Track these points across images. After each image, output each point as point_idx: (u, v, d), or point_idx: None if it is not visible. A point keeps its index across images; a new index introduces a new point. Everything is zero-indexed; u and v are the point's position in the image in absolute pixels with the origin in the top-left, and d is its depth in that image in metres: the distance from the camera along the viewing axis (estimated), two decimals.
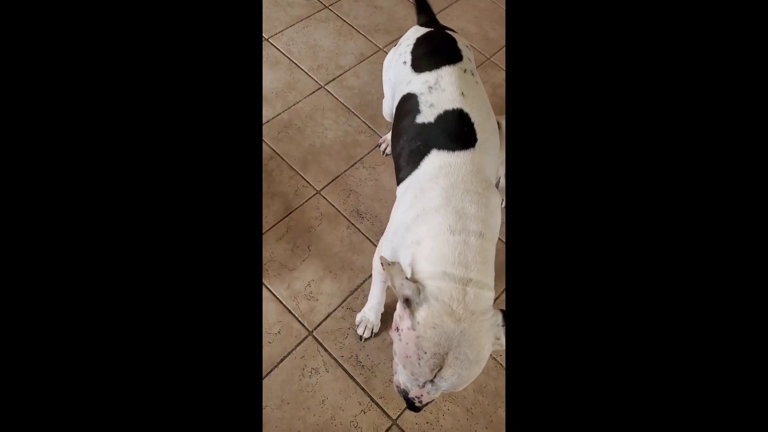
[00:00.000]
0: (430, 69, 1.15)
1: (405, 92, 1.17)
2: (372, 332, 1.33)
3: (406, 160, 1.07)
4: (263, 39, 1.96)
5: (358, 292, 1.43)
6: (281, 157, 1.66)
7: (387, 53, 1.99)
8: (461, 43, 1.24)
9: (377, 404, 1.26)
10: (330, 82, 1.87)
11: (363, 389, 1.27)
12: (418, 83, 1.14)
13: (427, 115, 1.08)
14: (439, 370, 0.81)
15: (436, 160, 1.00)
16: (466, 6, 2.21)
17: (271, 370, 1.28)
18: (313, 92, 1.83)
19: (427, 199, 0.95)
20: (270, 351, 1.31)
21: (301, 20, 2.04)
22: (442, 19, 2.13)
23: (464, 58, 1.18)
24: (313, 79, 1.86)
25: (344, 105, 1.81)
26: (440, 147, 1.01)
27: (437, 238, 0.89)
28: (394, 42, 2.02)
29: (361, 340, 1.34)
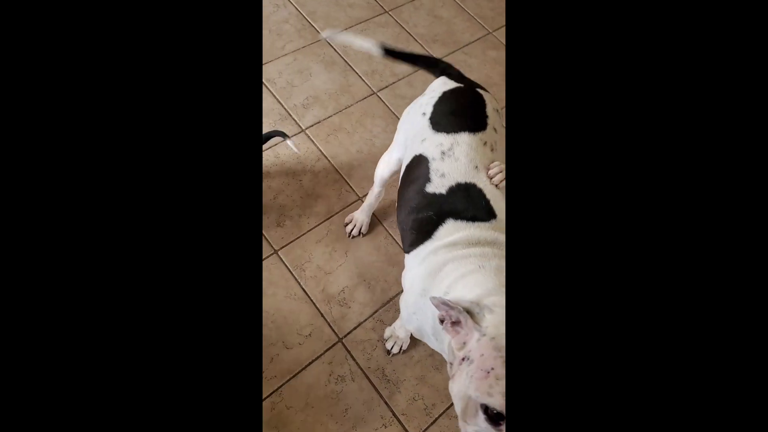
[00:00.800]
0: (447, 131, 1.04)
1: (417, 153, 1.06)
2: (401, 349, 1.34)
3: (416, 229, 0.99)
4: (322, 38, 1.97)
5: (390, 305, 1.44)
6: (328, 159, 1.68)
7: None
8: (491, 107, 1.11)
9: (399, 421, 1.27)
10: (383, 89, 1.87)
11: (387, 404, 1.29)
12: (432, 145, 1.04)
13: (437, 185, 0.99)
14: None
15: (452, 230, 0.93)
16: None
17: (299, 372, 1.31)
18: (365, 98, 1.84)
19: (446, 267, 0.89)
20: (299, 352, 1.34)
21: (361, 23, 2.04)
22: (490, 41, 2.11)
23: (488, 127, 1.07)
24: (367, 85, 1.87)
25: (394, 114, 1.81)
26: (457, 217, 0.94)
27: (468, 276, 0.85)
28: (450, 54, 2.02)
29: (389, 354, 1.35)
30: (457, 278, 0.87)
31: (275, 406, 1.26)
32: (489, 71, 1.99)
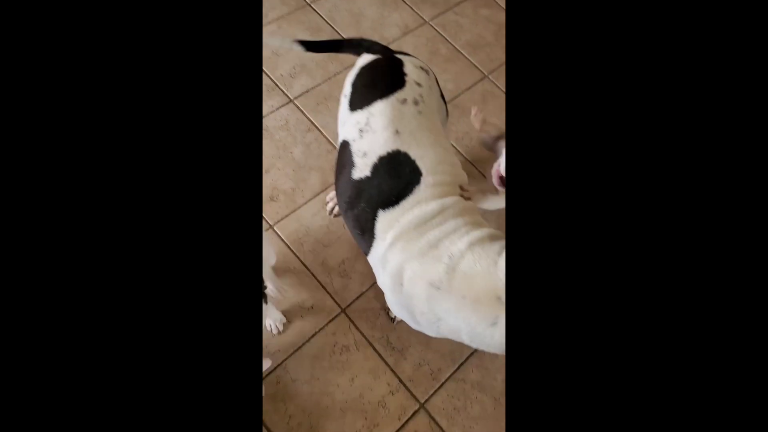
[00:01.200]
0: (362, 106, 0.97)
1: (341, 138, 1.00)
2: None
3: (360, 227, 0.94)
4: (306, 3, 1.90)
5: None
6: (319, 130, 1.63)
7: (433, 27, 1.92)
8: (410, 66, 1.04)
9: (406, 387, 1.27)
10: None
11: (392, 371, 1.28)
12: (351, 126, 0.98)
13: (362, 168, 0.92)
14: None
15: (387, 224, 0.89)
16: None
17: (303, 345, 1.30)
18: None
19: (405, 274, 0.88)
20: (302, 325, 1.32)
21: None
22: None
23: (407, 84, 0.99)
24: None
25: None
26: (385, 205, 0.89)
27: (435, 296, 0.85)
28: (440, 15, 1.95)
29: (393, 321, 1.34)
30: (425, 303, 0.87)
31: (280, 380, 1.25)
32: (481, 30, 1.92)
